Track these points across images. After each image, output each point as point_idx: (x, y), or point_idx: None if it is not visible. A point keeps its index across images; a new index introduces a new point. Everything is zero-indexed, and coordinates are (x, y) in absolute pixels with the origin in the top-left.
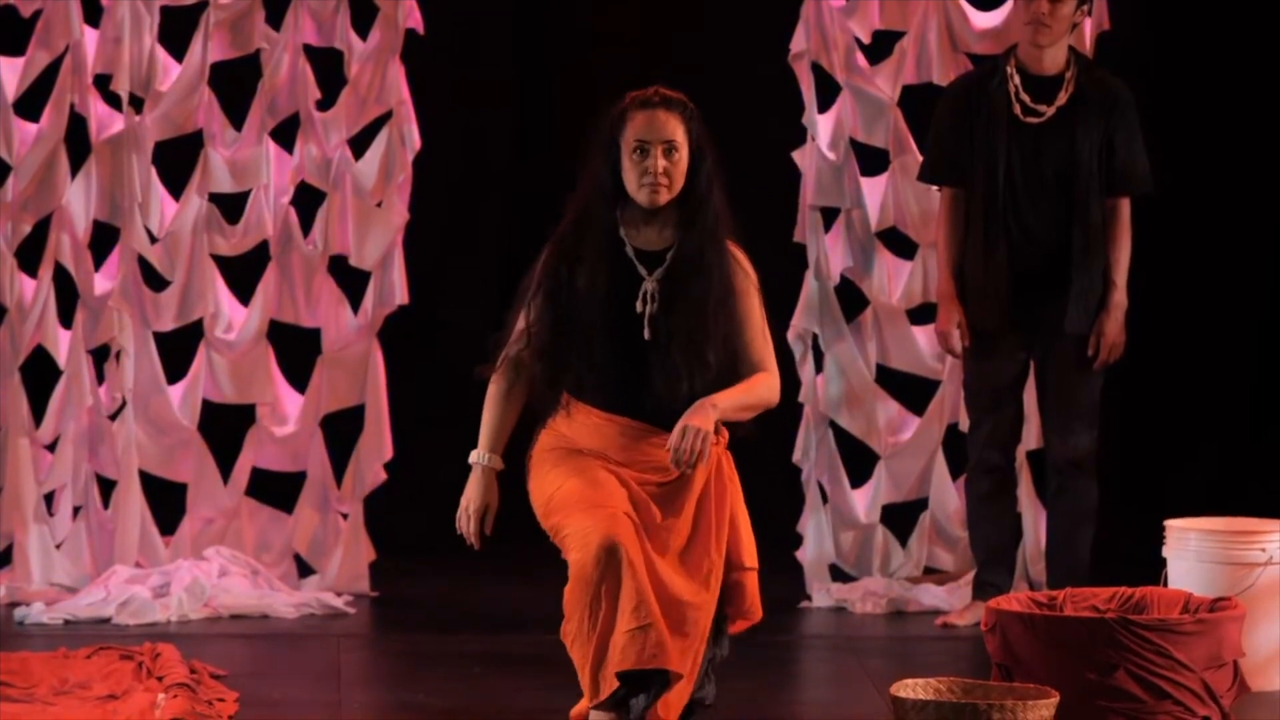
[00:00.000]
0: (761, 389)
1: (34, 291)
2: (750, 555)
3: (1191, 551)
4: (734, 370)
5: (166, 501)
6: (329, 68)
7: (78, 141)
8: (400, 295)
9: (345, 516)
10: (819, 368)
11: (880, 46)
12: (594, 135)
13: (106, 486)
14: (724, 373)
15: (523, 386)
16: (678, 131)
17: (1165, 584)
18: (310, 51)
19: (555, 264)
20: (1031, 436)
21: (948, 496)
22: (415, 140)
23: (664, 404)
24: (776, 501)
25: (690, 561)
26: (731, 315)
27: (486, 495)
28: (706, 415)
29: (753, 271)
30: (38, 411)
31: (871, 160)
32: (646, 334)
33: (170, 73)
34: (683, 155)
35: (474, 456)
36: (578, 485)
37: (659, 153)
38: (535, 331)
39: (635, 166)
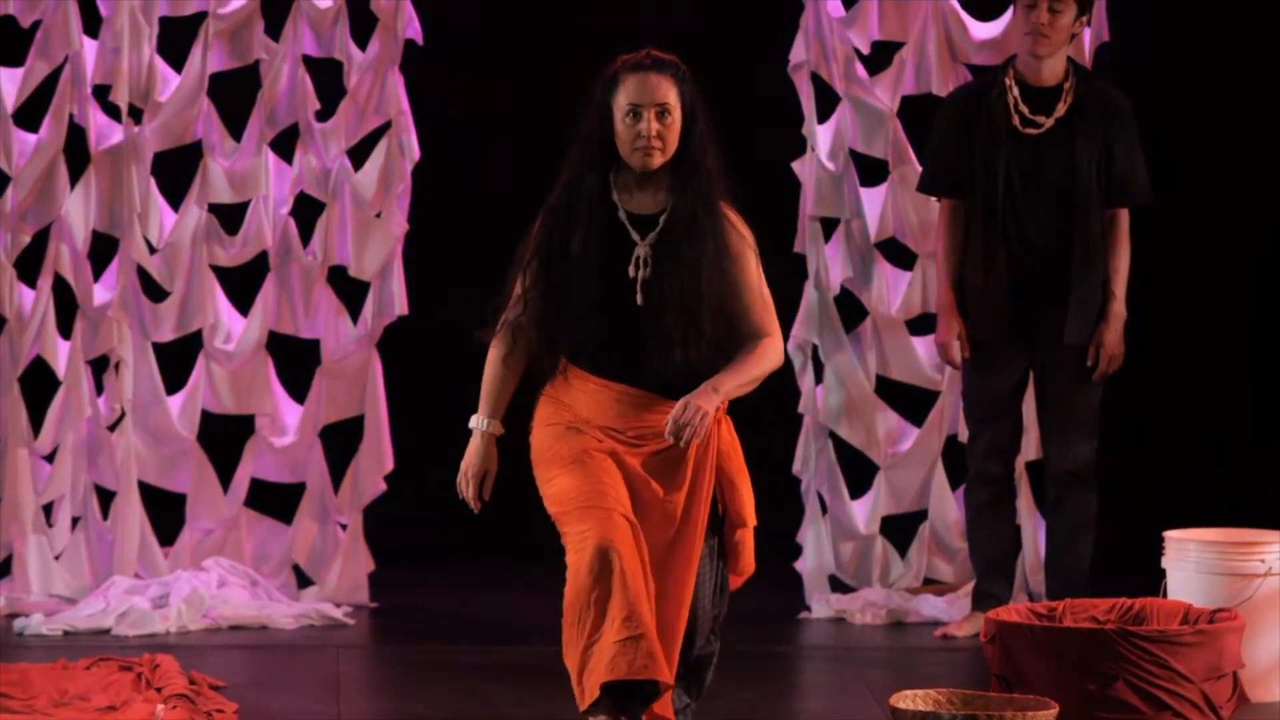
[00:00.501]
0: (763, 359)
1: (33, 302)
2: (750, 512)
3: (1191, 562)
4: (732, 335)
5: (165, 512)
6: (328, 78)
7: (77, 152)
8: (400, 306)
9: (344, 527)
10: (818, 378)
11: (879, 57)
12: (585, 99)
13: (105, 497)
14: (720, 338)
15: (522, 351)
16: (670, 94)
17: (1164, 595)
18: (309, 62)
19: (549, 230)
20: (1031, 447)
21: (947, 507)
22: (414, 151)
23: (658, 371)
24: (776, 512)
25: (684, 542)
26: (727, 279)
27: (486, 460)
28: (709, 398)
29: (749, 233)
30: (37, 422)
31: (871, 171)
32: (639, 299)
33: (169, 83)
34: (675, 118)
35: (474, 421)
36: (576, 481)
37: (652, 115)
38: (530, 298)
39: (628, 130)
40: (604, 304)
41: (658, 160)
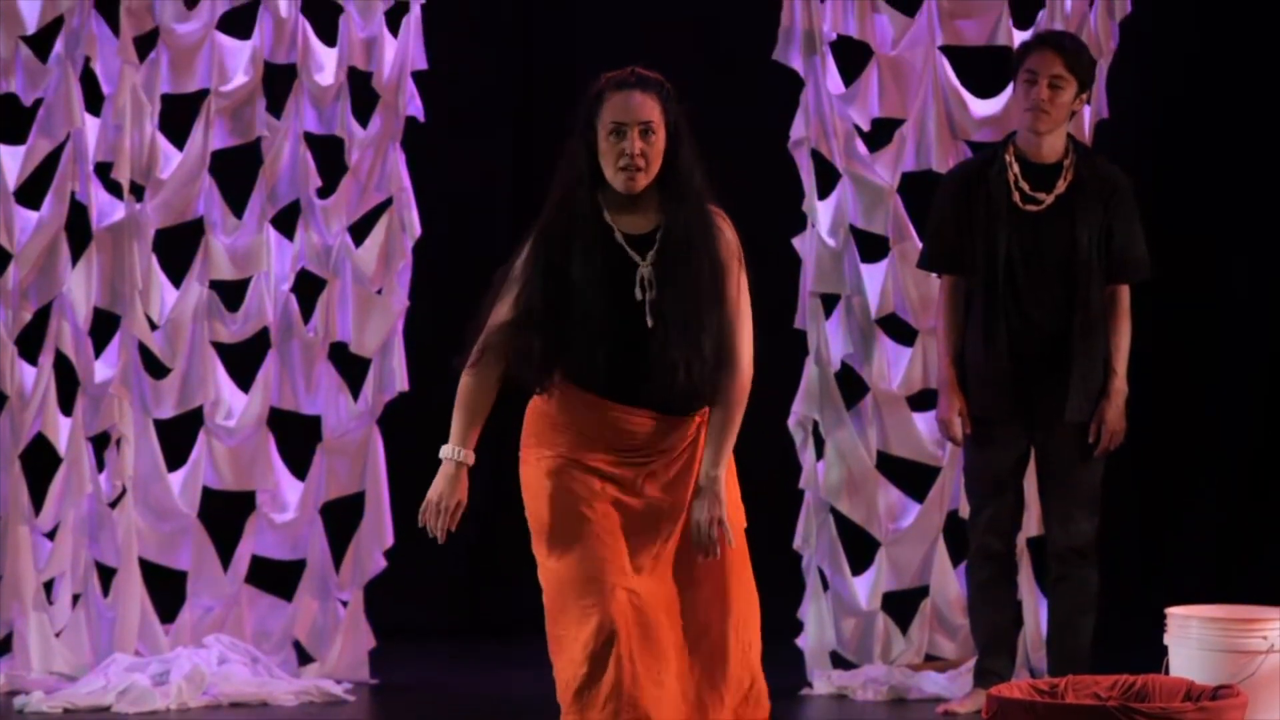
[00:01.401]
0: (734, 411)
1: (34, 379)
2: (742, 514)
3: (1193, 639)
4: (724, 359)
5: (166, 589)
6: (329, 155)
7: (79, 229)
8: (401, 382)
9: (345, 604)
10: (819, 454)
11: (880, 133)
12: (572, 119)
13: (106, 574)
14: (717, 356)
15: (497, 379)
16: (654, 112)
17: (1167, 672)
18: (311, 139)
19: (545, 252)
20: (1032, 523)
21: (949, 583)
22: (415, 227)
23: (660, 391)
24: (777, 588)
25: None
26: (720, 296)
27: (457, 491)
28: (715, 503)
29: (735, 239)
30: (38, 499)
31: (871, 247)
32: (650, 321)
33: (171, 160)
34: (659, 136)
35: (445, 451)
36: (572, 563)
37: (635, 134)
38: (536, 320)
39: (611, 149)
40: (612, 326)
41: (641, 181)
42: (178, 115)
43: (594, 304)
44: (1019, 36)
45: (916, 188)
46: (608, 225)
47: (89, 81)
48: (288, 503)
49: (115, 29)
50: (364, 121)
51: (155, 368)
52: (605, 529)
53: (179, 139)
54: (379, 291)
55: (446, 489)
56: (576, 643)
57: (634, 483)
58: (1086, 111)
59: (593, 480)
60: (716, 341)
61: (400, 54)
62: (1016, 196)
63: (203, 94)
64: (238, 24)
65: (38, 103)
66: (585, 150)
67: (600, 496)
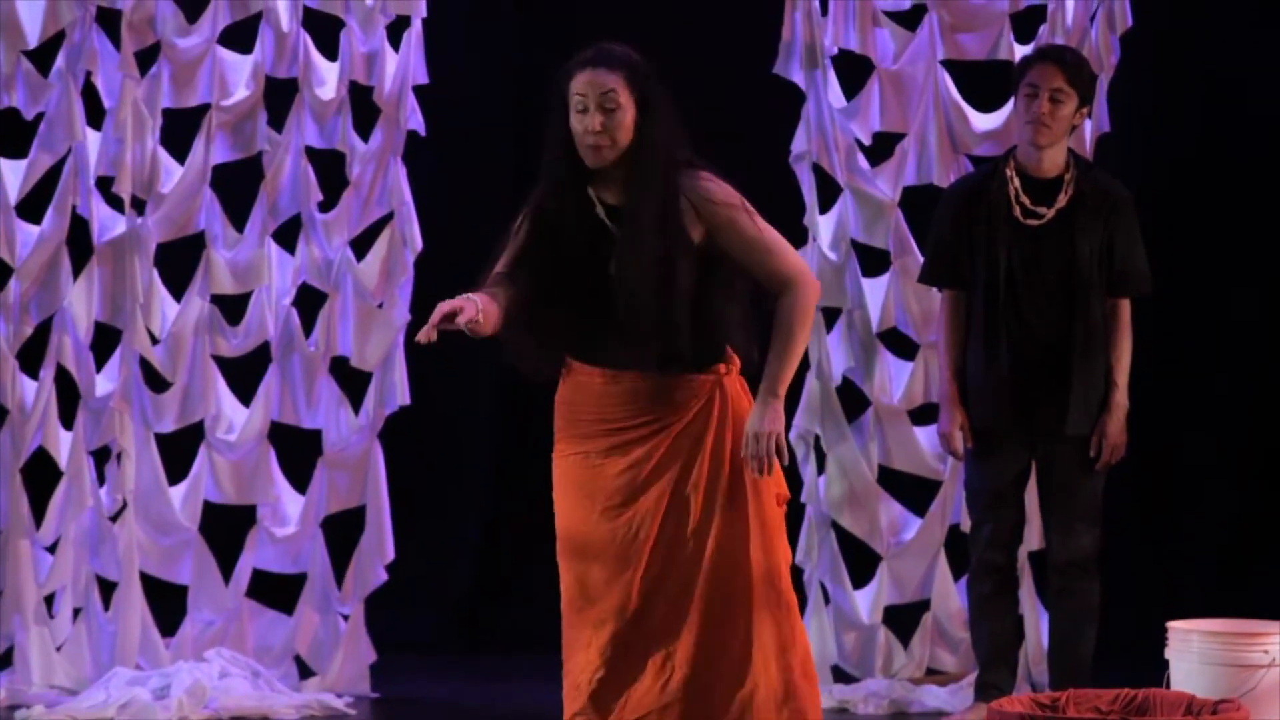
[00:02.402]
0: (796, 321)
1: (35, 393)
2: (783, 483)
3: (1194, 653)
4: (725, 319)
5: (167, 603)
6: (331, 169)
7: (80, 243)
8: (402, 396)
9: (346, 617)
10: (821, 468)
11: (881, 148)
12: (551, 94)
13: (107, 588)
14: (709, 325)
15: (504, 297)
16: (618, 85)
17: (1168, 686)
18: (312, 153)
19: (534, 227)
20: (1033, 537)
21: (950, 597)
22: (417, 241)
23: (635, 360)
24: None
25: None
26: (734, 248)
27: (463, 303)
28: (775, 416)
29: (730, 197)
30: (38, 513)
31: (873, 261)
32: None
33: (172, 174)
34: (625, 110)
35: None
36: (576, 581)
37: (595, 106)
38: (529, 301)
39: (578, 124)
40: (594, 300)
41: (607, 155)
42: (179, 129)
43: (577, 277)
44: (1020, 51)
45: (918, 202)
46: (590, 198)
47: (90, 96)
48: (289, 517)
49: (117, 43)
50: (365, 136)
51: (156, 382)
52: (615, 540)
53: (180, 153)
54: (380, 305)
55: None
56: (574, 662)
57: (646, 455)
58: (1087, 125)
59: (610, 470)
60: (674, 310)
61: (402, 68)
62: (1017, 210)
63: (204, 108)
64: (239, 38)
65: (39, 117)
66: (564, 126)
67: (616, 494)
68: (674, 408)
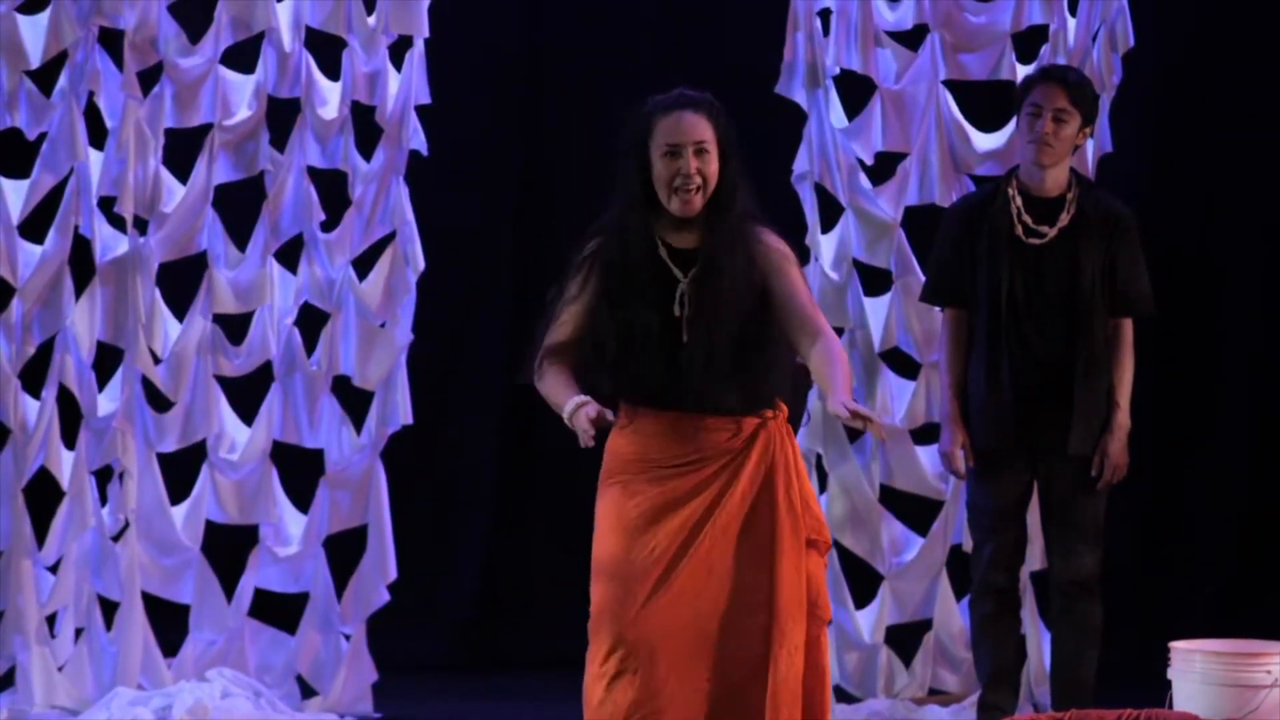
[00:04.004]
0: (846, 363)
1: (37, 412)
2: (827, 530)
3: (1197, 673)
4: (779, 365)
5: (169, 623)
6: (333, 189)
7: (82, 263)
8: (404, 415)
9: (348, 637)
10: (823, 488)
11: (883, 167)
12: (621, 142)
13: (109, 608)
14: (767, 373)
15: (567, 368)
16: (707, 131)
17: (1170, 706)
18: (314, 172)
19: (606, 276)
20: (1035, 557)
21: (952, 617)
22: (419, 260)
23: (698, 403)
24: None
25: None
26: (784, 297)
27: (597, 408)
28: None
29: (786, 248)
30: (40, 532)
31: (874, 280)
32: (685, 337)
33: (174, 194)
34: (713, 155)
35: (566, 411)
36: (600, 614)
37: (690, 155)
38: (604, 344)
39: (666, 169)
40: (656, 342)
41: (698, 202)
42: (181, 149)
43: (643, 322)
44: (1022, 71)
45: (919, 221)
46: (655, 242)
47: (93, 116)
48: (290, 536)
49: (119, 63)
50: (367, 155)
51: (158, 401)
52: (633, 567)
53: (183, 173)
54: (382, 325)
55: (585, 414)
56: (590, 690)
57: (682, 485)
58: (1089, 145)
59: (642, 502)
60: (744, 354)
61: (404, 88)
62: (1019, 230)
63: (206, 128)
64: (241, 58)
65: (41, 137)
66: (638, 173)
67: (642, 519)
68: (717, 448)
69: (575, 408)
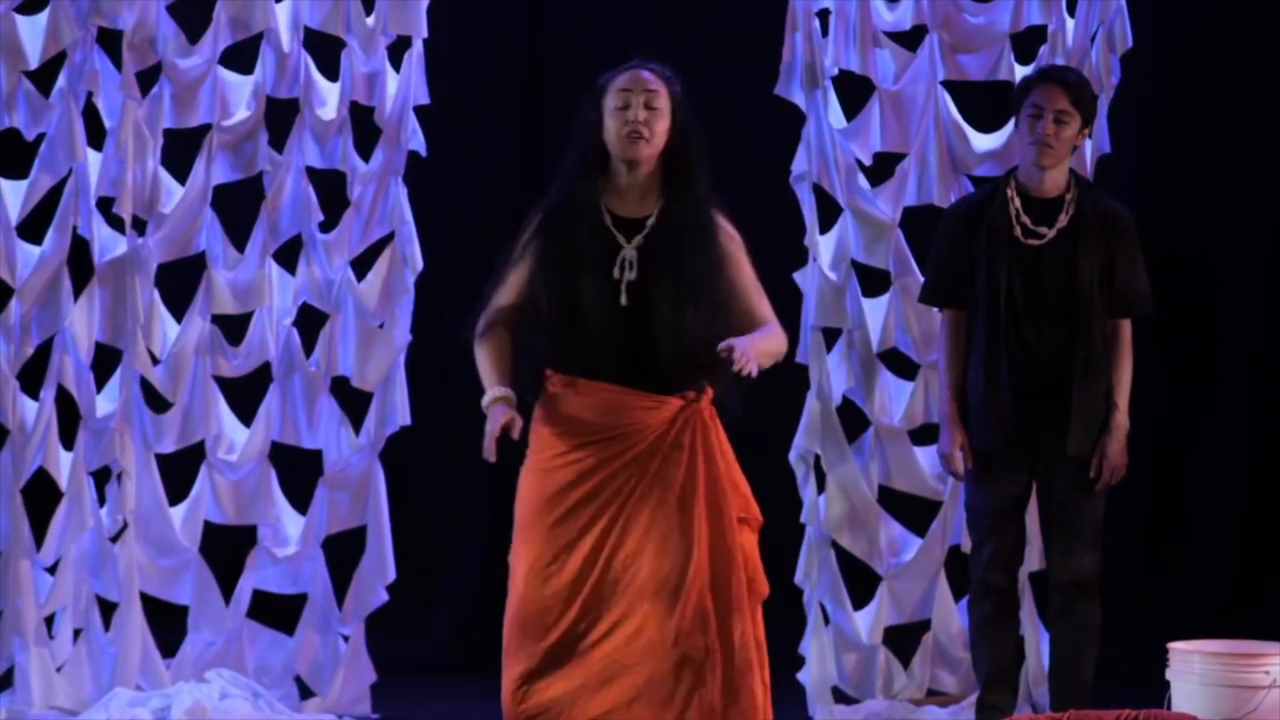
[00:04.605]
0: (778, 339)
1: (36, 413)
2: (756, 509)
3: (1195, 674)
4: (728, 334)
5: (167, 623)
6: (331, 189)
7: (81, 264)
8: (403, 416)
9: (347, 638)
10: (821, 488)
11: (881, 168)
12: (577, 113)
13: (107, 608)
14: (712, 339)
15: (509, 339)
16: (659, 89)
17: (1169, 707)
18: (313, 173)
19: (548, 241)
20: (1034, 558)
21: (950, 618)
22: (418, 261)
23: (644, 371)
24: (778, 623)
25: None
26: (728, 280)
27: (504, 416)
28: (752, 347)
29: (737, 235)
30: (39, 533)
31: (873, 281)
32: (624, 300)
33: (173, 195)
34: (663, 113)
35: (485, 400)
36: (525, 598)
37: (640, 103)
38: (544, 307)
39: (617, 121)
40: (590, 303)
41: (643, 150)
42: (180, 150)
43: (581, 285)
44: (1020, 71)
45: (918, 222)
46: (599, 208)
47: (91, 116)
48: (289, 537)
49: (118, 64)
50: (366, 156)
51: (157, 402)
52: (560, 548)
53: (181, 173)
54: (381, 326)
55: (494, 419)
56: (508, 679)
57: (623, 467)
58: (1087, 146)
59: (571, 478)
60: (701, 327)
61: (403, 88)
62: (1018, 231)
63: (205, 128)
64: (240, 59)
65: (40, 137)
66: (589, 139)
67: (570, 503)
68: (645, 425)
69: (491, 402)
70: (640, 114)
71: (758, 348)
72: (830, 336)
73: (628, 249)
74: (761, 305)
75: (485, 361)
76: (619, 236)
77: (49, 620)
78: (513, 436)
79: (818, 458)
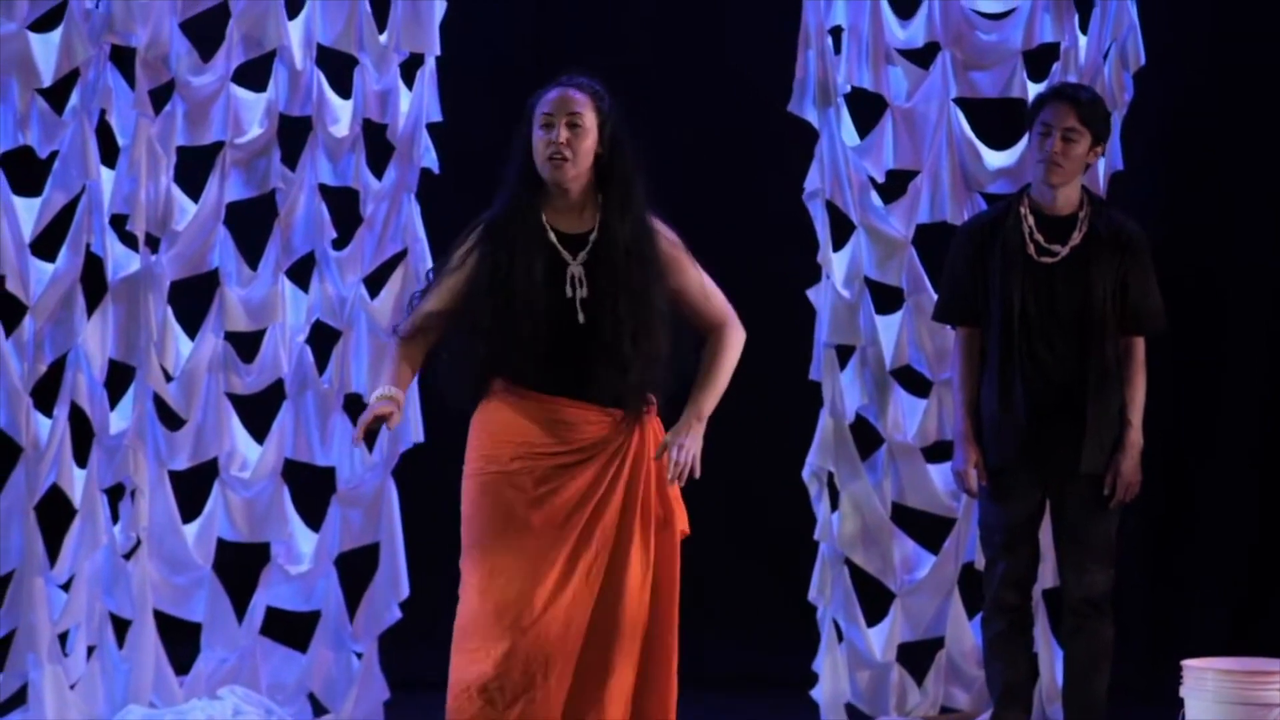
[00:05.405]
0: (728, 354)
1: (50, 430)
2: (685, 520)
3: (1209, 692)
4: (671, 360)
5: (181, 640)
6: (344, 206)
7: (94, 281)
8: (416, 433)
9: (360, 655)
10: (834, 505)
11: (894, 185)
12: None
13: (120, 625)
14: (661, 349)
15: (425, 351)
16: (584, 108)
17: None
18: (326, 190)
19: (489, 251)
20: (1047, 575)
21: (964, 635)
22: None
23: (608, 389)
24: (792, 640)
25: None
26: (675, 286)
27: (387, 408)
28: (696, 433)
29: (675, 237)
30: (53, 550)
31: (886, 298)
32: (581, 318)
33: (186, 212)
34: (588, 133)
35: (375, 393)
36: (483, 598)
37: (562, 125)
38: (477, 317)
39: (540, 141)
40: (547, 323)
41: (567, 171)
42: (193, 167)
43: (531, 301)
44: (1033, 89)
45: (931, 239)
46: (542, 224)
47: (104, 134)
48: (302, 554)
49: (131, 81)
50: (379, 173)
51: (170, 419)
52: (525, 560)
53: (194, 191)
54: None
55: (372, 409)
56: (460, 674)
57: (570, 482)
58: (1101, 163)
59: (525, 494)
60: (651, 336)
61: (415, 106)
62: (1031, 248)
63: (218, 146)
64: (253, 76)
65: (53, 155)
66: (526, 153)
67: (529, 520)
68: (598, 442)
69: (375, 399)
70: (562, 135)
71: (703, 416)
72: (843, 354)
73: (574, 266)
74: (710, 304)
75: (392, 363)
76: (564, 253)
77: (63, 637)
78: (388, 428)
79: (831, 475)
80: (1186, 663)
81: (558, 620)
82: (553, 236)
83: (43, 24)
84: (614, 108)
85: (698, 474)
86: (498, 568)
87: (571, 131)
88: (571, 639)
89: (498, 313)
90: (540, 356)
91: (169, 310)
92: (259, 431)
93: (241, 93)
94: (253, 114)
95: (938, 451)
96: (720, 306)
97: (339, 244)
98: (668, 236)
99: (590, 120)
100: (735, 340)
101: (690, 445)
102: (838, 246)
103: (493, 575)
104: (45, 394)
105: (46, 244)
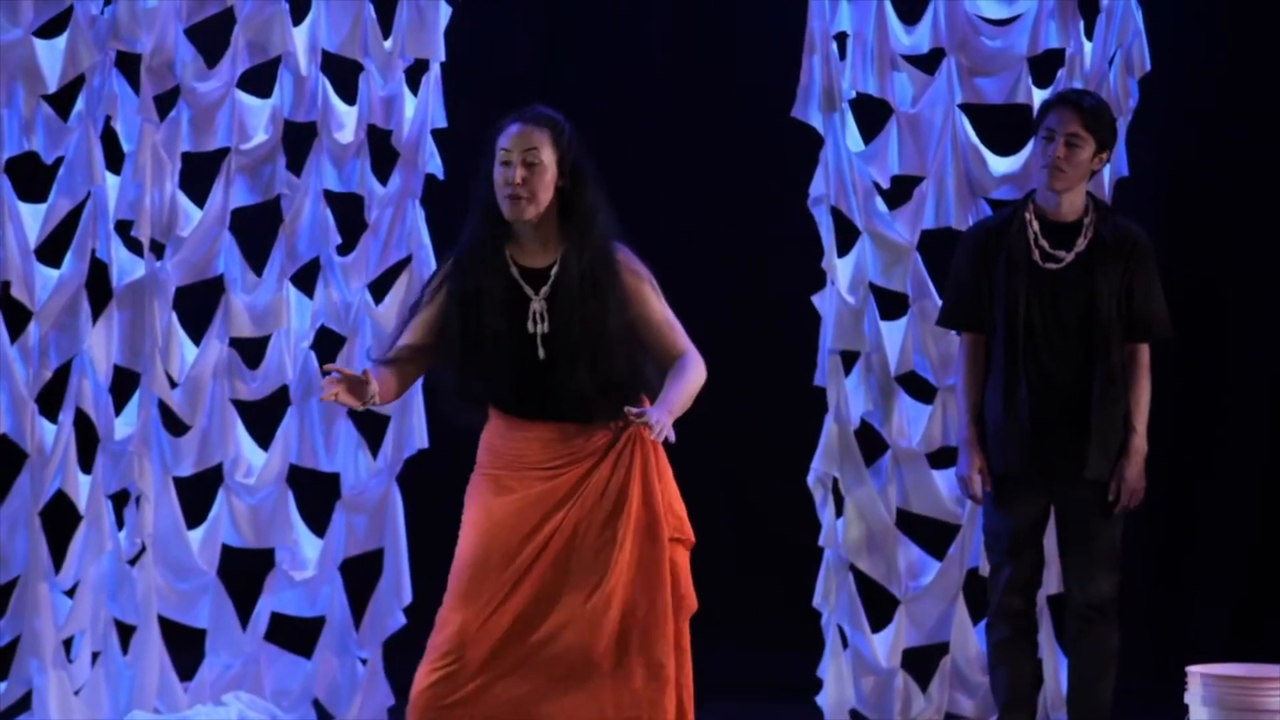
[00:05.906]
0: (693, 375)
1: (54, 436)
2: (689, 529)
3: (1214, 697)
4: (646, 370)
5: (185, 646)
6: (349, 212)
7: (99, 287)
8: (420, 439)
9: (364, 662)
10: (839, 512)
11: (899, 191)
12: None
13: (125, 631)
14: (633, 383)
15: (407, 373)
16: (542, 144)
17: None
18: (330, 196)
19: (456, 287)
20: (1052, 581)
21: (968, 641)
22: None
23: (577, 414)
24: (797, 646)
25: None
26: (638, 319)
27: (363, 374)
28: (665, 413)
29: (641, 268)
30: (58, 556)
31: (891, 304)
32: (541, 354)
33: (191, 218)
34: (547, 169)
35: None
36: (453, 614)
37: (519, 163)
38: (449, 354)
39: (500, 177)
40: (510, 357)
41: (526, 210)
42: (198, 173)
43: (496, 339)
44: (1038, 95)
45: (936, 245)
46: (506, 260)
47: (110, 140)
48: (307, 560)
49: (136, 87)
50: (384, 179)
51: (175, 425)
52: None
53: (199, 197)
54: None
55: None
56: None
57: (550, 483)
58: (1106, 170)
59: (508, 494)
60: (611, 360)
61: (420, 112)
62: (1036, 254)
63: (223, 152)
64: (258, 82)
65: (59, 161)
66: (489, 184)
67: (504, 519)
68: (590, 451)
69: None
70: (518, 174)
71: (673, 411)
72: (848, 360)
73: (536, 301)
74: (674, 337)
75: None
76: (527, 288)
77: (67, 643)
78: (360, 403)
79: (836, 481)
80: (1191, 668)
81: (511, 612)
82: (515, 272)
83: (48, 30)
84: (574, 139)
85: (672, 438)
86: (468, 586)
87: (528, 170)
88: (530, 634)
89: (467, 350)
90: (510, 387)
91: (174, 316)
92: (264, 437)
93: (246, 99)
94: (258, 120)
95: (942, 457)
96: (683, 339)
97: (344, 250)
98: (631, 267)
99: (548, 156)
100: (697, 367)
101: (660, 414)
102: (842, 252)
103: (463, 593)
104: (50, 400)
105: (52, 250)
